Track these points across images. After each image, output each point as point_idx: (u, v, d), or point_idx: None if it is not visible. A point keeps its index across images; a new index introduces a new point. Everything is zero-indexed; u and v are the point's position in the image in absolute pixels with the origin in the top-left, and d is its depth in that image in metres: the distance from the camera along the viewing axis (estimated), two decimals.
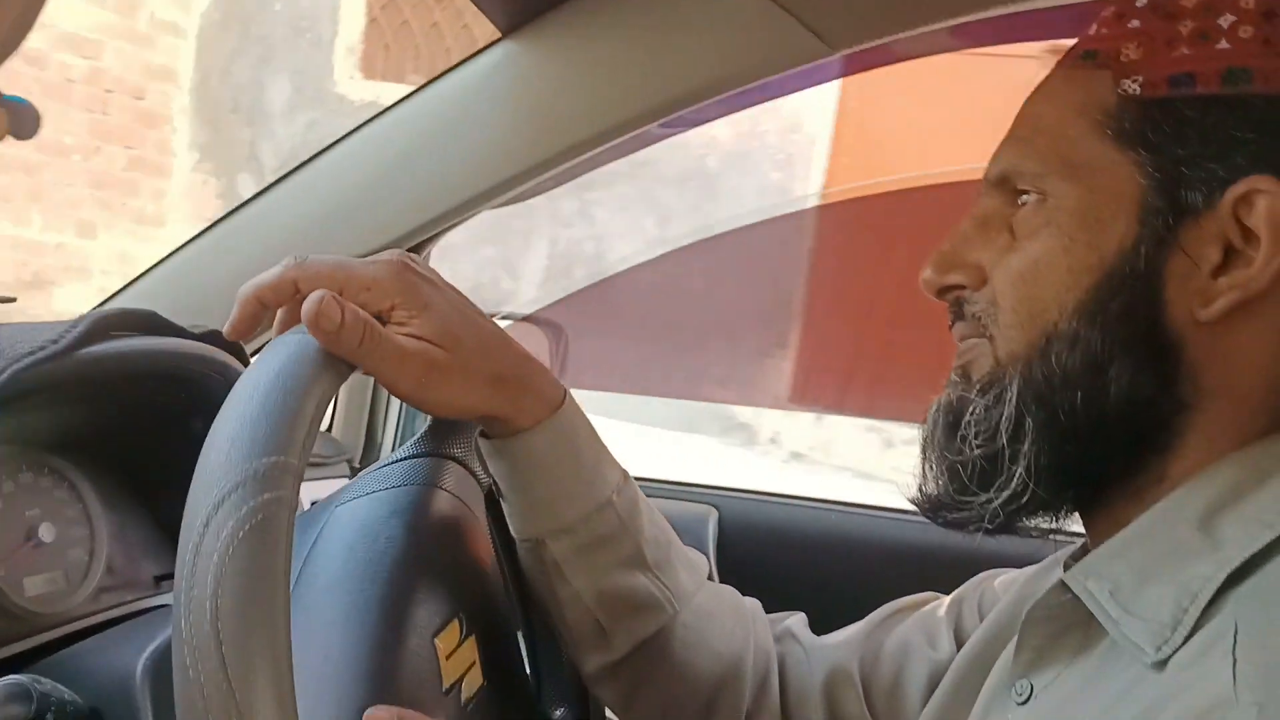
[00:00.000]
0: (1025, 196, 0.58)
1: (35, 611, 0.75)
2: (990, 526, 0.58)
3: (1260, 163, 0.52)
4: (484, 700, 0.60)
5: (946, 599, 0.77)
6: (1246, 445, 0.53)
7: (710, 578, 1.07)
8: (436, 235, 1.07)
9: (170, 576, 0.87)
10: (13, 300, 0.89)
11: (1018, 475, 0.56)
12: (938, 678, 0.69)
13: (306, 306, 0.52)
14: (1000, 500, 0.56)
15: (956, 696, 0.65)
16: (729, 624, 0.75)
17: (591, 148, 1.00)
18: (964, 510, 0.58)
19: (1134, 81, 0.55)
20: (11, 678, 0.53)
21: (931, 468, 0.60)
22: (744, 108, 1.18)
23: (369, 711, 0.50)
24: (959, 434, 0.58)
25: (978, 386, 0.58)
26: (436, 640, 0.58)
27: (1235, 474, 0.52)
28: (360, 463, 1.20)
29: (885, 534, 1.10)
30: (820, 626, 1.06)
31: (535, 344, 1.41)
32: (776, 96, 1.15)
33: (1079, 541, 0.63)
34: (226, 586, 0.38)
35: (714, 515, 1.12)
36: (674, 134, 1.18)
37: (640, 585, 0.69)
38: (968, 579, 0.76)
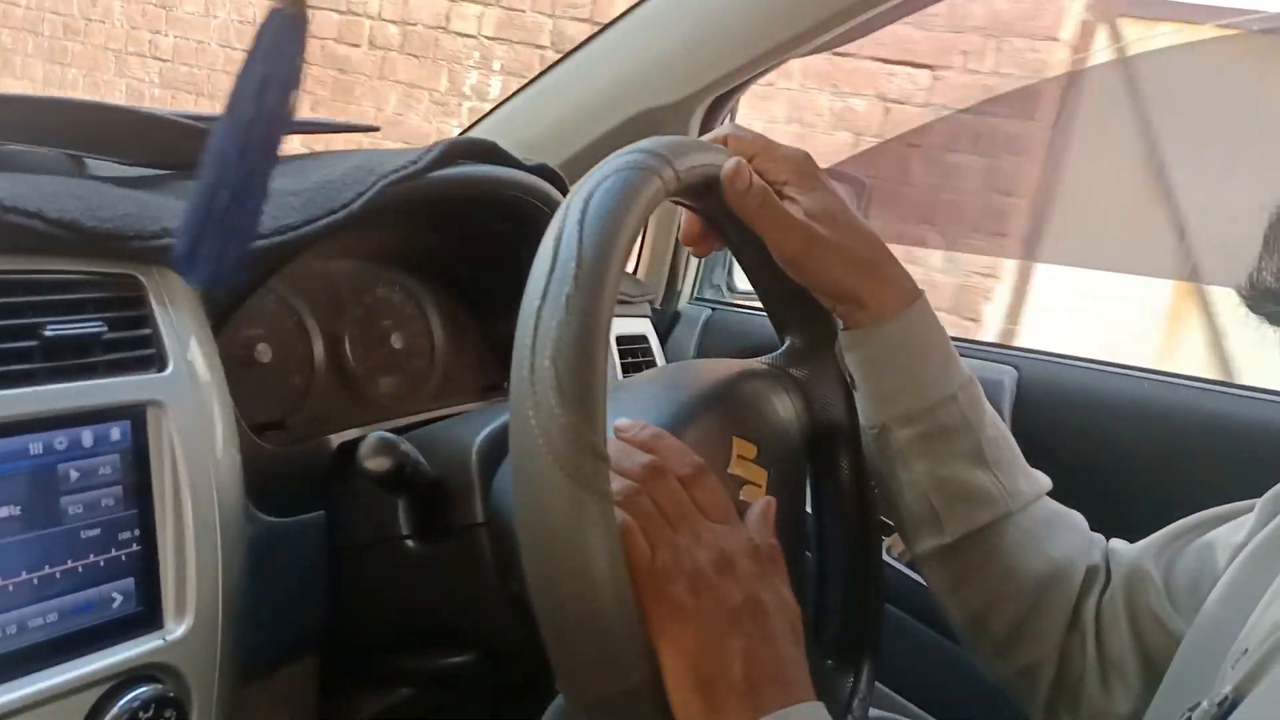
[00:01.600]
0: None
1: (386, 406, 0.87)
2: None
3: None
4: None
5: (1259, 500, 0.70)
6: None
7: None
8: (747, 82, 1.09)
9: (497, 388, 0.98)
10: (377, 129, 1.00)
11: None
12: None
13: (726, 166, 0.64)
14: None
15: (1271, 552, 0.62)
16: (1065, 533, 0.75)
17: None
18: None
19: None
20: (382, 432, 0.63)
21: (1274, 255, 0.55)
22: None
23: (623, 420, 0.57)
24: None
25: None
26: (735, 437, 0.63)
27: None
28: (661, 304, 1.27)
29: (1194, 405, 1.02)
30: (1117, 498, 1.02)
31: None
32: None
33: None
34: (597, 196, 0.51)
35: (1013, 375, 1.08)
36: None
37: (977, 478, 0.71)
38: None
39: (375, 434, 0.63)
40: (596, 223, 0.50)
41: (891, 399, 0.71)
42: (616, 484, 0.52)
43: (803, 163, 0.68)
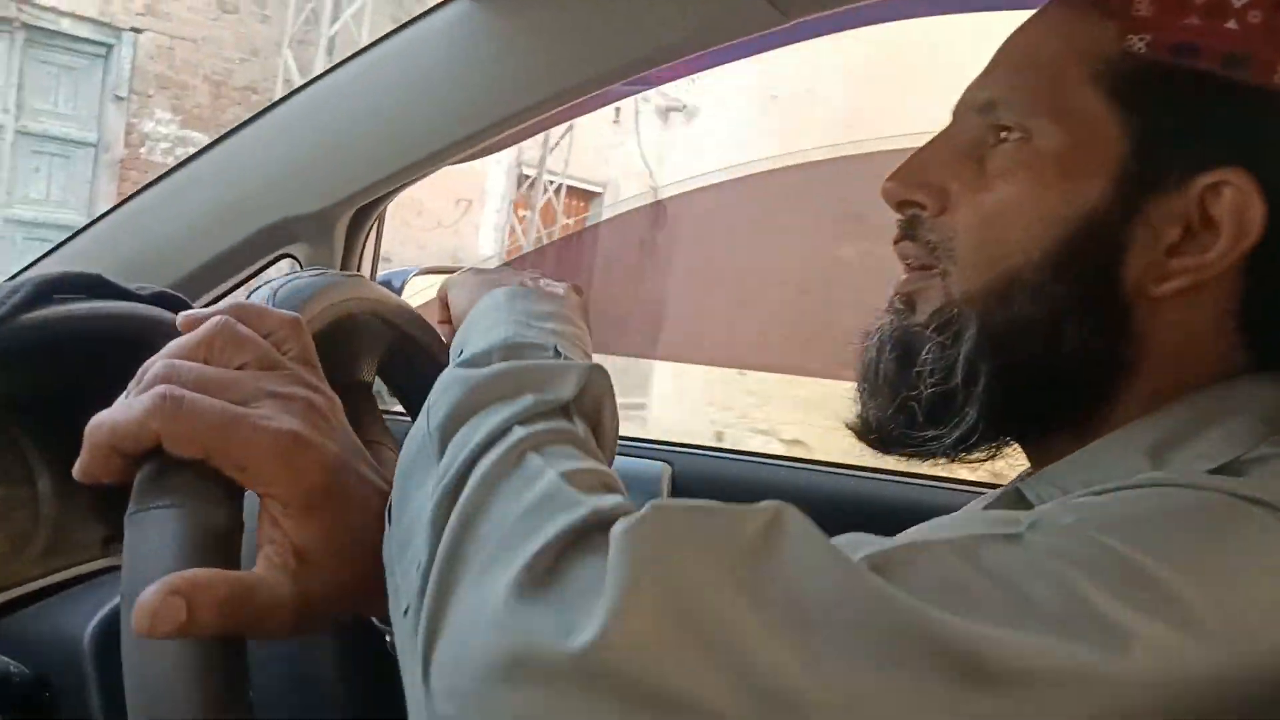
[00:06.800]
0: (1006, 133, 0.56)
1: None
2: (936, 458, 0.59)
3: (1236, 154, 0.52)
4: None
5: None
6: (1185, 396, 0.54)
7: None
8: (391, 193, 1.06)
9: (118, 538, 0.87)
10: None
11: (970, 415, 0.56)
12: None
13: (141, 600, 0.41)
14: (952, 438, 0.57)
15: None
16: None
17: (549, 107, 1.00)
18: (912, 445, 0.59)
19: (1141, 40, 0.53)
20: None
21: (877, 398, 0.60)
22: (700, 70, 1.18)
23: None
24: (913, 369, 0.58)
25: (933, 324, 0.57)
26: None
27: (1186, 413, 0.53)
28: None
29: (835, 489, 1.11)
30: None
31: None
32: (731, 60, 1.15)
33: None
34: None
35: (668, 471, 1.13)
36: (632, 92, 1.17)
37: None
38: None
39: None
40: None
41: None
42: None
43: (289, 458, 0.48)
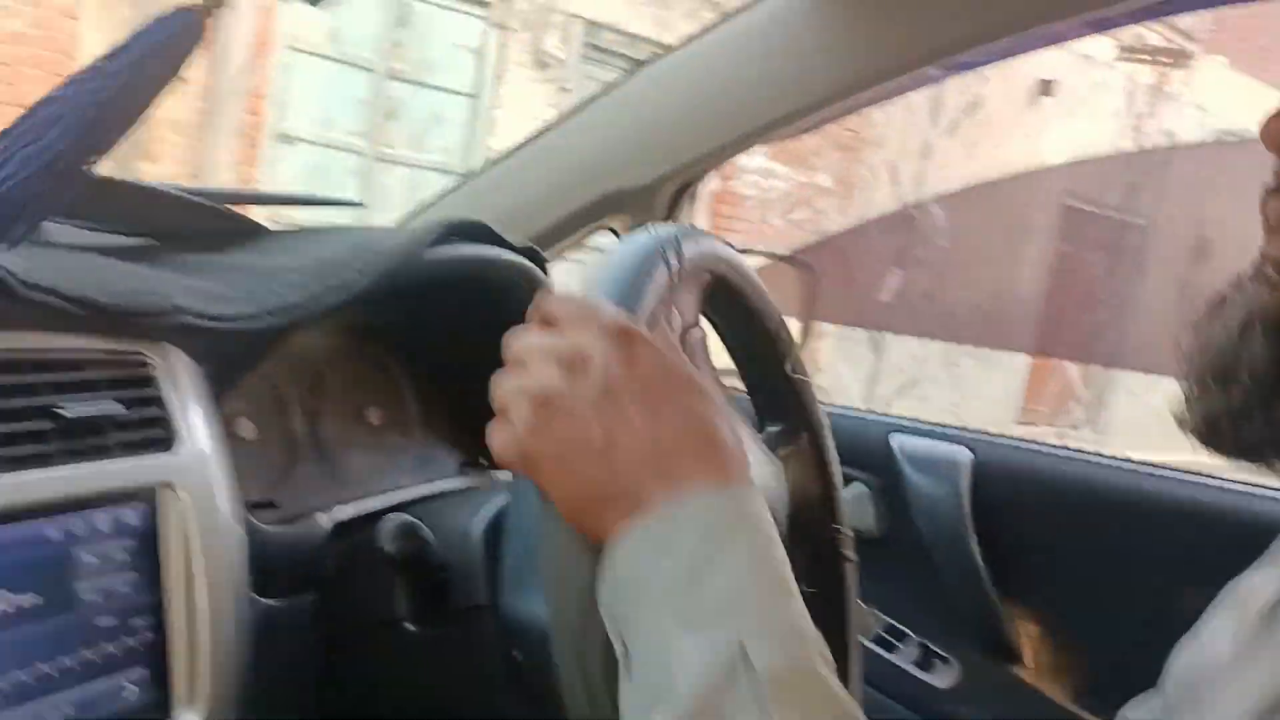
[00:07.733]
0: None
1: (363, 482, 0.85)
2: None
3: None
4: None
5: None
6: None
7: (963, 520, 1.07)
8: (707, 170, 1.13)
9: (473, 465, 0.97)
10: (360, 204, 1.01)
11: None
12: None
13: None
14: None
15: None
16: None
17: (874, 83, 1.02)
18: None
19: None
20: (404, 516, 0.62)
21: (1230, 389, 0.48)
22: (1022, 52, 1.16)
23: None
24: None
25: None
26: None
27: None
28: None
29: (1159, 494, 1.05)
30: (1072, 572, 1.03)
31: (785, 283, 1.43)
32: (1060, 42, 1.13)
33: None
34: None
35: (968, 456, 1.11)
36: (949, 76, 1.17)
37: None
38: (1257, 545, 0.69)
39: (396, 517, 0.62)
40: None
41: None
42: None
43: None
